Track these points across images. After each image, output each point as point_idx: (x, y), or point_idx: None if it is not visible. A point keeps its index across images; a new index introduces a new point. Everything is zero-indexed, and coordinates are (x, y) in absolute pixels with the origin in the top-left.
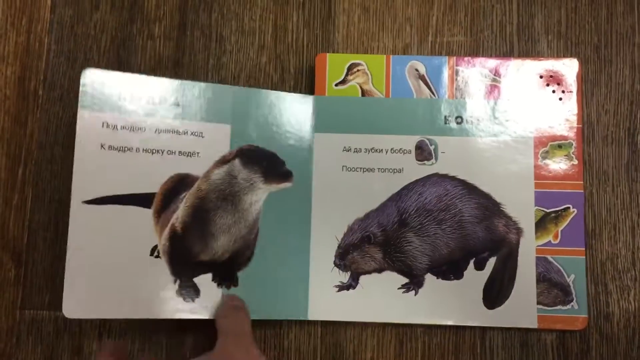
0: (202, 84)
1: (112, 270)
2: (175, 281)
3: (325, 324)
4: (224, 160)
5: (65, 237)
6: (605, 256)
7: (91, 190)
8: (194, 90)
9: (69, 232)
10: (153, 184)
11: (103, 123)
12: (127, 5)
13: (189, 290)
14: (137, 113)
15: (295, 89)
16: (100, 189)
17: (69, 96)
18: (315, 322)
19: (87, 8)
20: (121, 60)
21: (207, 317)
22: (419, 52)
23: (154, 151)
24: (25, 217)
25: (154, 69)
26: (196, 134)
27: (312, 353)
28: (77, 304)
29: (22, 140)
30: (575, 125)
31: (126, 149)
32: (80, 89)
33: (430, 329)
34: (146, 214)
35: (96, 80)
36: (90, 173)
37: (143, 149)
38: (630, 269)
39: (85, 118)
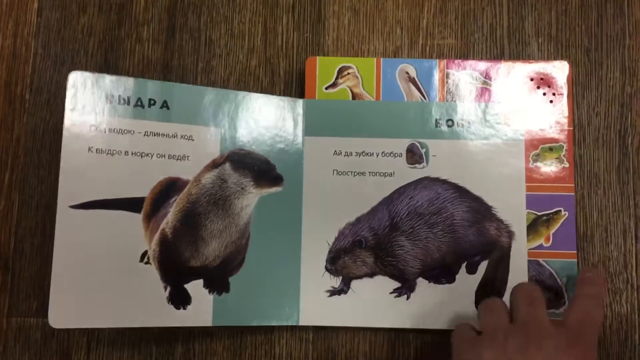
0: (192, 86)
1: (100, 277)
2: (165, 288)
3: (316, 329)
4: (214, 164)
5: (53, 243)
6: (597, 259)
7: (78, 194)
8: (184, 93)
9: (55, 238)
10: (142, 188)
11: (90, 126)
12: (115, 8)
13: (180, 298)
14: (126, 116)
15: (285, 93)
16: (88, 193)
17: (55, 100)
18: (306, 328)
19: (74, 11)
20: (109, 64)
21: (198, 325)
22: (410, 55)
23: (143, 154)
24: (12, 223)
25: (142, 72)
26: (186, 137)
27: (303, 359)
28: (64, 313)
29: (9, 145)
30: (566, 127)
31: (114, 152)
32: (67, 91)
33: (422, 334)
34: (135, 219)
35: (83, 83)
36: (77, 177)
37: (132, 152)
38: (622, 272)
39: (71, 121)
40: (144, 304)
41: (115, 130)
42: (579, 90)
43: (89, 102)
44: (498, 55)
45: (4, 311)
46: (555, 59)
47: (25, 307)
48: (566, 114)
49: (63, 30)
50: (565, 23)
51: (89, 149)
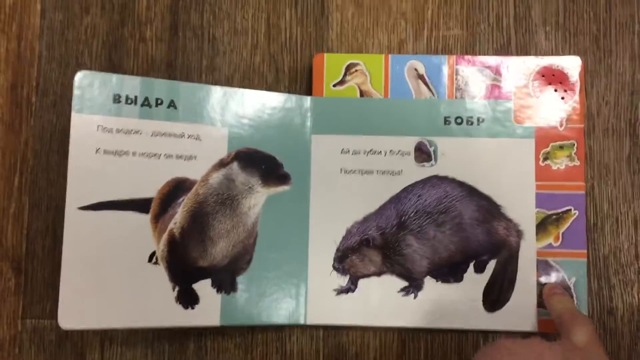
0: (198, 85)
1: (109, 278)
2: (174, 288)
3: (327, 326)
4: (222, 164)
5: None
6: (607, 250)
7: (87, 195)
8: (190, 92)
9: (64, 240)
10: (150, 189)
11: (98, 126)
12: (117, 8)
13: (188, 297)
14: (133, 116)
15: (290, 89)
16: (96, 194)
17: (62, 102)
18: (317, 325)
19: (77, 12)
20: (113, 63)
21: (207, 325)
22: (415, 48)
23: (151, 155)
24: (23, 225)
25: (146, 71)
26: (193, 136)
27: (314, 356)
28: (73, 314)
29: (17, 148)
30: (577, 125)
31: (122, 152)
32: (74, 91)
33: (433, 330)
34: (143, 220)
35: (89, 83)
36: (85, 178)
37: (139, 153)
38: (633, 263)
39: (79, 122)
40: (153, 304)
41: (122, 131)
42: (588, 79)
43: (95, 102)
44: (505, 45)
45: (19, 313)
46: (563, 47)
47: (39, 308)
48: (578, 110)
49: (67, 32)
50: (573, 10)
51: (97, 150)
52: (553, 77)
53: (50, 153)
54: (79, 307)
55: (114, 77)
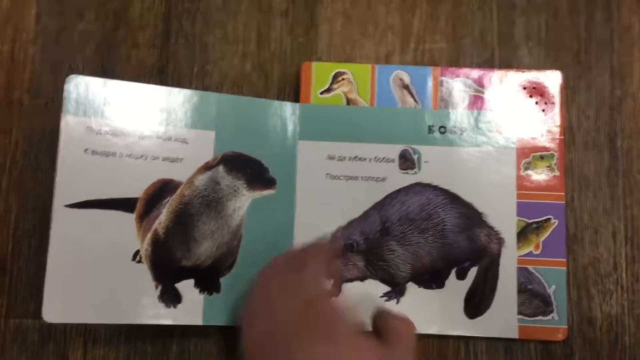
0: (187, 91)
1: (93, 274)
2: (156, 287)
3: None
4: (207, 167)
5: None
6: (587, 261)
7: (74, 194)
8: (179, 97)
9: (50, 236)
10: (136, 189)
11: (87, 128)
12: (111, 14)
13: (171, 296)
14: (121, 118)
15: (279, 96)
16: (83, 193)
17: (53, 105)
18: None
19: (72, 17)
20: (106, 69)
21: (188, 324)
22: (401, 59)
23: (138, 156)
24: (10, 225)
25: (138, 77)
26: (180, 140)
27: None
28: (57, 308)
29: (7, 148)
30: (557, 136)
31: (110, 153)
32: (64, 94)
33: None
34: (129, 219)
35: (80, 86)
36: (73, 177)
37: (127, 154)
38: (611, 273)
39: (69, 123)
40: (136, 302)
41: (110, 133)
42: (569, 94)
43: (85, 105)
44: (489, 59)
45: (2, 312)
46: (545, 63)
47: (23, 308)
48: (558, 122)
49: (61, 36)
50: (555, 28)
51: (85, 150)
52: (534, 90)
53: (39, 154)
54: (63, 302)
55: (104, 82)
